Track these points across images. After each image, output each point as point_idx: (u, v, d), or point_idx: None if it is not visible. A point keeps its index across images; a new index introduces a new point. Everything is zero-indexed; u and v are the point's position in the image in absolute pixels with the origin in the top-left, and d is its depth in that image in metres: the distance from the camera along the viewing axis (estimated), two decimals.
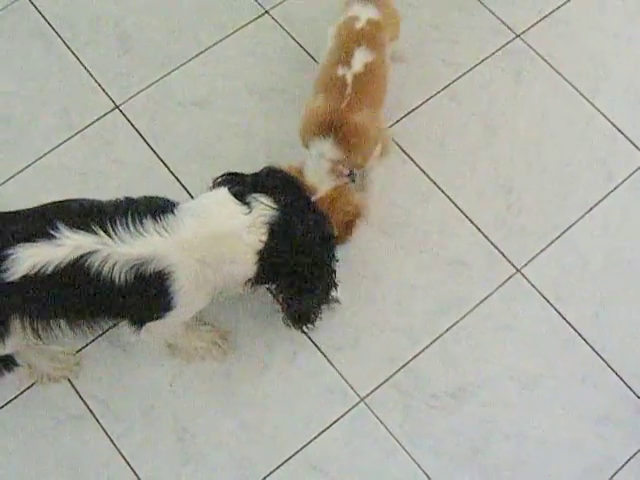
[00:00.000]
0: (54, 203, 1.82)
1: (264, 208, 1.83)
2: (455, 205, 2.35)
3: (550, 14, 2.60)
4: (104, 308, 1.86)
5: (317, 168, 2.12)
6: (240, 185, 1.88)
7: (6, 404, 2.14)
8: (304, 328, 2.12)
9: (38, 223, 1.75)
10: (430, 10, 2.61)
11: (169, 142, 2.41)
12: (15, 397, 2.14)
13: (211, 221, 1.81)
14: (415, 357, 2.18)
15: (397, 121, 2.44)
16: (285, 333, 2.18)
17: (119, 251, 1.74)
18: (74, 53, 2.55)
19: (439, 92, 2.49)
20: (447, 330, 2.21)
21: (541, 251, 2.31)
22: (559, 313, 2.23)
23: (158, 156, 2.40)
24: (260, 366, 2.18)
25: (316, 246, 1.90)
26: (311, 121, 2.14)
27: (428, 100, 2.47)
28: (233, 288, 1.94)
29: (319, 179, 2.12)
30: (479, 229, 2.32)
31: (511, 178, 2.38)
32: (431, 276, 2.28)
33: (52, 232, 1.73)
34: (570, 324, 2.22)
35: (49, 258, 1.72)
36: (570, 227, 2.33)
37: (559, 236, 2.32)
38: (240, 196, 1.85)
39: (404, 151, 2.40)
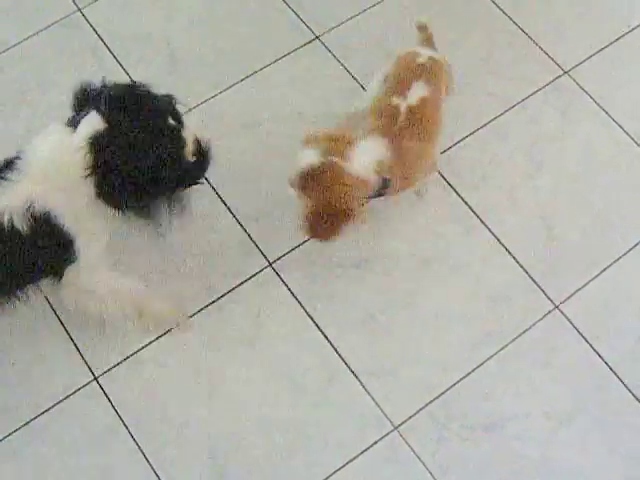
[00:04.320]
0: None
1: (89, 124, 1.93)
2: (496, 238, 2.45)
3: (600, 51, 2.72)
4: (25, 263, 1.99)
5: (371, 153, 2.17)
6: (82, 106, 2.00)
7: (42, 413, 2.25)
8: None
9: None
10: (480, 44, 2.74)
11: (215, 162, 2.54)
12: (51, 407, 2.25)
13: (47, 150, 1.94)
14: (450, 388, 2.28)
15: (443, 152, 2.55)
16: (320, 359, 2.30)
17: (7, 203, 1.89)
18: (125, 69, 2.71)
19: (485, 125, 2.60)
20: (483, 362, 2.30)
21: (581, 288, 2.40)
22: (596, 351, 2.32)
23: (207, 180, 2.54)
24: (295, 390, 2.28)
25: (140, 163, 1.94)
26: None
27: (474, 132, 2.59)
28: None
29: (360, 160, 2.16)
30: (519, 263, 2.42)
31: (554, 213, 2.49)
32: (469, 308, 2.38)
33: None
34: (606, 363, 2.31)
35: None
36: (611, 265, 2.43)
37: (599, 274, 2.42)
38: (73, 119, 1.98)
39: (448, 182, 2.52)
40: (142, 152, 1.93)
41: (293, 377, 2.29)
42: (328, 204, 2.12)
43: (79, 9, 2.83)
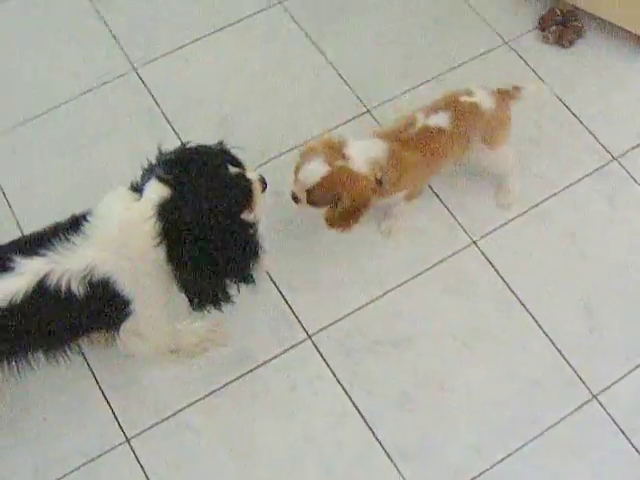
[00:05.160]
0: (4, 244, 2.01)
1: (152, 191, 1.95)
2: (536, 322, 2.45)
3: None
4: (75, 324, 2.03)
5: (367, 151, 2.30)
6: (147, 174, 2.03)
7: (71, 472, 2.25)
8: (211, 308, 2.16)
9: None
10: (530, 124, 2.77)
11: None
12: (80, 465, 2.26)
13: (112, 218, 1.96)
14: (482, 473, 2.27)
15: (487, 234, 2.58)
16: (353, 436, 2.30)
17: (67, 267, 1.92)
18: (176, 132, 2.76)
19: (532, 208, 2.62)
20: (516, 450, 2.29)
21: (620, 379, 2.39)
22: (632, 445, 2.30)
23: None
24: (325, 467, 2.28)
25: (213, 221, 1.95)
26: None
27: (520, 215, 2.61)
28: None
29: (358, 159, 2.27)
30: (557, 349, 2.41)
31: (596, 301, 2.49)
32: (504, 392, 2.37)
33: (10, 264, 1.91)
34: None
35: (16, 287, 1.89)
36: None
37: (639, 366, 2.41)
38: (137, 186, 2.01)
39: (490, 262, 2.53)
40: (211, 205, 1.94)
41: (324, 453, 2.29)
42: (352, 203, 2.27)
43: (134, 68, 2.90)
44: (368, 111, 2.80)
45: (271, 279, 2.51)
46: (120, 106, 2.83)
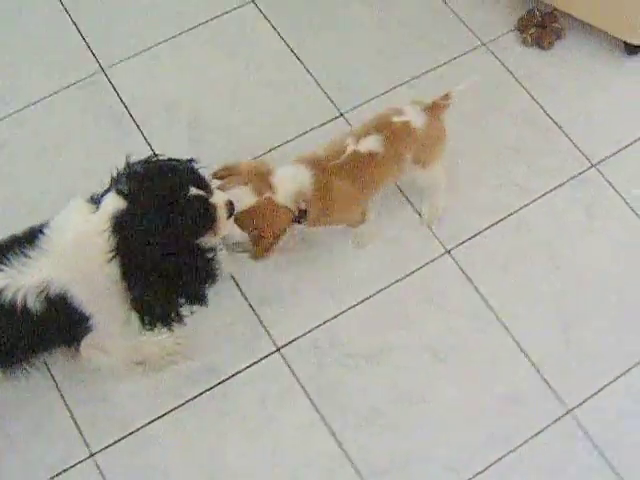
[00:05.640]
0: None
1: (109, 204, 1.92)
2: (511, 336, 2.41)
3: (629, 145, 2.69)
4: (32, 340, 1.99)
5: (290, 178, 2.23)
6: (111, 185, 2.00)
7: None
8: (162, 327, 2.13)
9: None
10: (509, 130, 2.72)
11: None
12: None
13: (68, 230, 1.93)
14: None
15: (461, 243, 2.53)
16: (322, 453, 2.26)
17: (22, 282, 1.88)
18: (145, 137, 2.69)
19: (508, 216, 2.57)
20: (490, 466, 2.26)
21: (595, 393, 2.35)
22: (606, 460, 2.26)
23: None
24: None
25: (165, 242, 1.91)
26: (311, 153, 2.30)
27: (496, 224, 2.56)
28: None
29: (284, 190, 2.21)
30: (533, 364, 2.38)
31: (572, 313, 2.45)
32: (479, 407, 2.33)
33: None
34: (619, 474, 2.26)
35: None
36: (627, 371, 2.38)
37: (615, 379, 2.37)
38: (96, 197, 1.98)
39: (465, 273, 2.49)
40: (164, 225, 1.90)
41: (294, 469, 2.26)
42: (270, 234, 2.20)
43: (102, 69, 2.83)
44: (341, 115, 2.75)
45: (239, 290, 2.46)
46: (88, 108, 2.77)
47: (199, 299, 2.06)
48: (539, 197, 2.61)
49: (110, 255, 1.90)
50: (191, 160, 2.07)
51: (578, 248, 2.54)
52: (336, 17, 2.96)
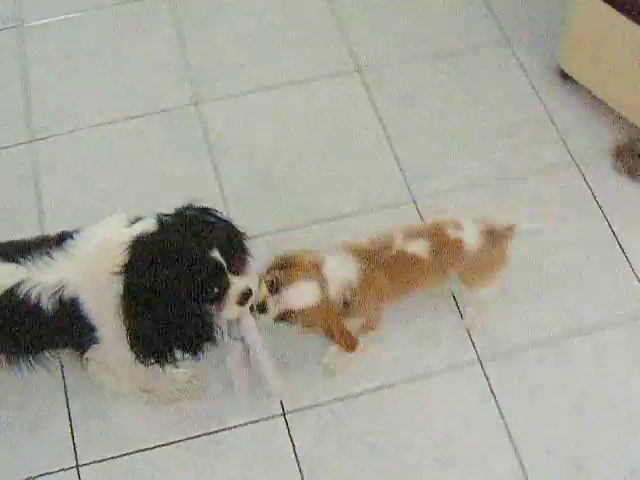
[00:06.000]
0: None
1: (141, 225, 1.94)
2: (519, 460, 2.30)
3: None
4: (39, 337, 2.04)
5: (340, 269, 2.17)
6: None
7: None
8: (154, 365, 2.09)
9: None
10: (575, 251, 2.64)
11: None
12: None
13: (97, 240, 1.96)
14: None
15: (497, 355, 2.45)
16: None
17: (40, 279, 1.93)
18: (218, 176, 2.77)
19: (550, 343, 2.47)
20: None
21: None
22: None
23: None
24: None
25: (177, 274, 1.88)
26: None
27: (536, 346, 2.46)
28: None
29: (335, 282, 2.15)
30: None
31: (588, 459, 2.31)
32: None
33: None
34: None
35: None
36: None
37: None
38: (138, 219, 1.99)
39: (490, 388, 2.40)
40: (172, 274, 1.89)
41: None
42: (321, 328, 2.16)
43: (196, 102, 2.94)
44: (414, 202, 2.72)
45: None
46: (173, 136, 2.87)
47: (191, 354, 2.04)
48: (588, 332, 2.49)
49: (115, 270, 1.90)
50: (238, 232, 2.09)
51: (612, 398, 2.40)
52: (436, 106, 2.97)
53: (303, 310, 2.12)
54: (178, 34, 3.14)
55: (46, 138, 2.89)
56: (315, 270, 2.14)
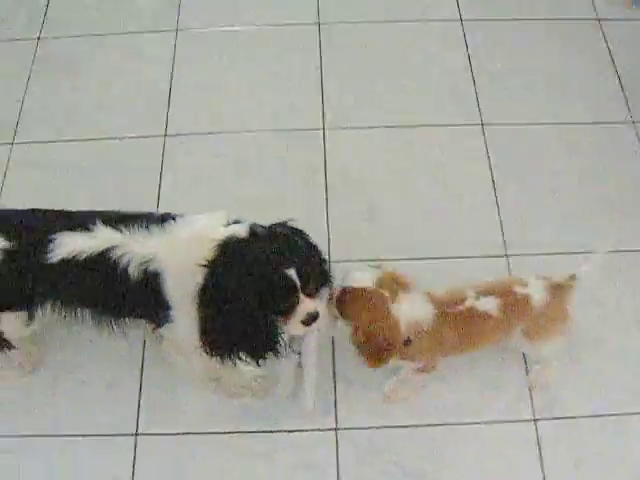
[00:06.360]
0: (99, 211, 2.20)
1: (236, 228, 2.08)
2: None
3: None
4: (122, 302, 2.19)
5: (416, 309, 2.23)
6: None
7: (72, 435, 2.46)
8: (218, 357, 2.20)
9: (82, 220, 2.14)
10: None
11: None
12: (83, 435, 2.45)
13: (194, 227, 2.11)
14: None
15: (553, 419, 2.45)
16: None
17: (133, 248, 2.09)
18: (327, 201, 2.92)
19: (610, 416, 2.45)
20: None
21: None
22: None
23: None
24: None
25: (254, 282, 2.01)
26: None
27: (595, 417, 2.45)
28: None
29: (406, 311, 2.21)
30: None
31: None
32: None
33: (90, 226, 2.12)
34: None
35: (84, 247, 2.10)
36: None
37: None
38: (235, 221, 2.14)
39: (539, 448, 2.40)
40: (247, 280, 2.02)
41: None
42: (367, 329, 2.19)
43: (323, 128, 3.12)
44: (506, 256, 2.78)
45: (333, 357, 2.57)
46: (293, 156, 3.05)
47: (253, 359, 2.18)
48: None
49: (203, 263, 2.06)
50: (321, 258, 2.20)
51: None
52: (546, 169, 3.02)
53: (353, 292, 2.20)
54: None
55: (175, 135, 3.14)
56: (394, 285, 2.23)
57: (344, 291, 2.21)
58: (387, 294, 2.19)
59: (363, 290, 2.20)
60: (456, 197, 2.95)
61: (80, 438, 2.46)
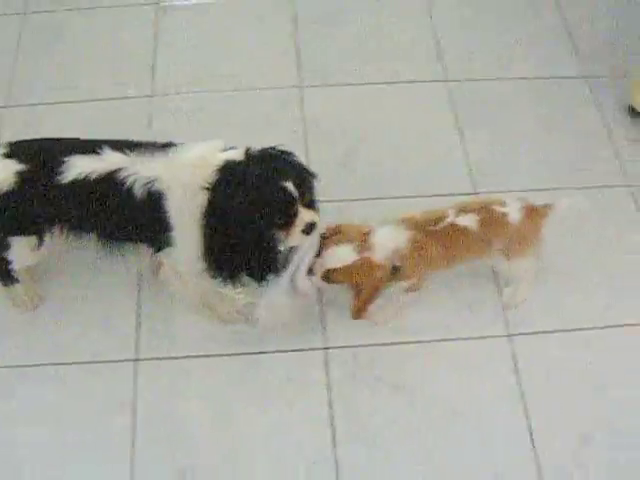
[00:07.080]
0: (108, 139, 2.35)
1: (232, 152, 2.26)
2: (530, 435, 2.47)
3: None
4: (126, 223, 2.35)
5: (389, 237, 2.42)
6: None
7: (70, 364, 2.58)
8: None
9: (92, 145, 2.30)
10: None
11: None
12: (83, 362, 2.58)
13: (194, 153, 2.29)
14: None
15: (525, 334, 2.65)
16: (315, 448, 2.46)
17: (138, 170, 2.26)
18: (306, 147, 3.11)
19: (578, 330, 2.66)
20: None
21: None
22: None
23: None
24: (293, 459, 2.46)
25: (255, 198, 2.19)
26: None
27: (564, 332, 2.66)
28: None
29: (382, 248, 2.41)
30: (538, 464, 2.43)
31: (597, 436, 2.47)
32: (476, 464, 2.44)
33: (99, 150, 2.28)
34: None
35: (93, 168, 2.26)
36: None
37: None
38: (232, 147, 2.31)
39: (515, 362, 2.60)
40: (248, 198, 2.20)
41: (282, 451, 2.47)
42: (363, 289, 2.43)
43: (300, 86, 3.33)
44: (476, 194, 2.98)
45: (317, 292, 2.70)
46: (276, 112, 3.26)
47: (255, 278, 2.39)
48: (615, 325, 2.68)
49: (205, 186, 2.24)
50: (312, 174, 2.37)
51: (630, 389, 2.57)
52: (511, 124, 3.26)
53: (339, 269, 2.41)
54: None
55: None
56: (360, 237, 2.43)
57: (328, 271, 2.42)
58: (369, 256, 2.39)
59: (347, 267, 2.40)
60: (426, 144, 3.15)
61: (76, 366, 2.59)
